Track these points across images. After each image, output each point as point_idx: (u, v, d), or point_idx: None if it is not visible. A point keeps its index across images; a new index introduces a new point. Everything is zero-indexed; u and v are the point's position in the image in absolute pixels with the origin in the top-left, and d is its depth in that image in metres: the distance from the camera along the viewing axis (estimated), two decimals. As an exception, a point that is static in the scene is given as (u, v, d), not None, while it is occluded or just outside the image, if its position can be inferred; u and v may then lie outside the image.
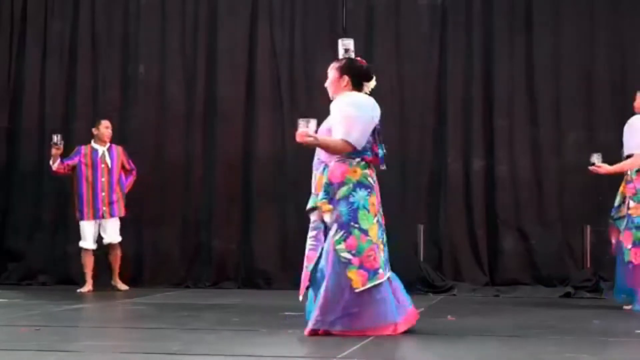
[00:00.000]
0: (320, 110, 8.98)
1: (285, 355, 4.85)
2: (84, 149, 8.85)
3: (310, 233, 5.56)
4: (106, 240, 8.80)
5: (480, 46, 9.14)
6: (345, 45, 5.62)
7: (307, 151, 9.28)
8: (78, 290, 8.65)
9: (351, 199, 5.40)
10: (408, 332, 5.51)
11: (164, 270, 9.38)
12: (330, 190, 5.43)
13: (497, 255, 8.97)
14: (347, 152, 5.44)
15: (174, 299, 8.12)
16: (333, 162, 5.46)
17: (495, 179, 9.02)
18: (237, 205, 9.36)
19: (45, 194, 9.54)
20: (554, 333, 5.75)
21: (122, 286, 8.85)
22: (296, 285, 8.98)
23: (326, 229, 5.46)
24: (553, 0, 9.09)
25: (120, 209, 8.84)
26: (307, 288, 5.56)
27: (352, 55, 5.63)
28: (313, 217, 5.55)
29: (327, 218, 5.43)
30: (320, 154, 5.57)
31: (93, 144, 8.87)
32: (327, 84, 5.65)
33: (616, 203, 7.27)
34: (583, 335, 5.89)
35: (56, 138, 8.67)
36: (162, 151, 9.46)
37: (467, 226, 9.03)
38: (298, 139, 5.39)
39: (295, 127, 5.42)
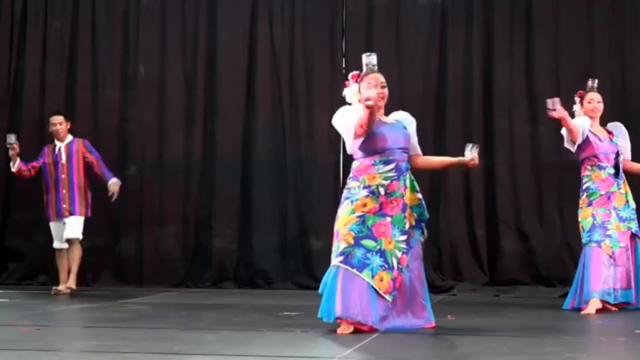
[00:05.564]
0: (319, 109, 9.08)
1: (285, 355, 4.84)
2: (47, 148, 8.65)
3: (402, 237, 5.68)
4: (65, 236, 8.46)
5: (480, 46, 9.13)
6: (371, 62, 5.74)
7: (306, 152, 9.36)
8: (54, 289, 8.43)
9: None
10: (408, 332, 5.53)
11: (164, 270, 9.38)
12: None
13: (497, 255, 8.96)
14: None
15: (174, 299, 8.12)
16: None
17: (495, 179, 9.02)
18: (237, 205, 9.36)
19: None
20: (554, 333, 5.75)
21: (73, 285, 8.41)
22: (296, 286, 9.11)
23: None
24: (553, 0, 9.09)
25: (82, 208, 8.49)
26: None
27: (376, 69, 5.76)
28: (407, 224, 5.73)
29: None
30: (406, 160, 5.80)
31: (55, 141, 8.65)
32: (384, 96, 5.72)
33: None
34: (583, 335, 5.89)
35: (10, 138, 8.34)
36: (162, 151, 9.45)
37: (467, 226, 9.03)
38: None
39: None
